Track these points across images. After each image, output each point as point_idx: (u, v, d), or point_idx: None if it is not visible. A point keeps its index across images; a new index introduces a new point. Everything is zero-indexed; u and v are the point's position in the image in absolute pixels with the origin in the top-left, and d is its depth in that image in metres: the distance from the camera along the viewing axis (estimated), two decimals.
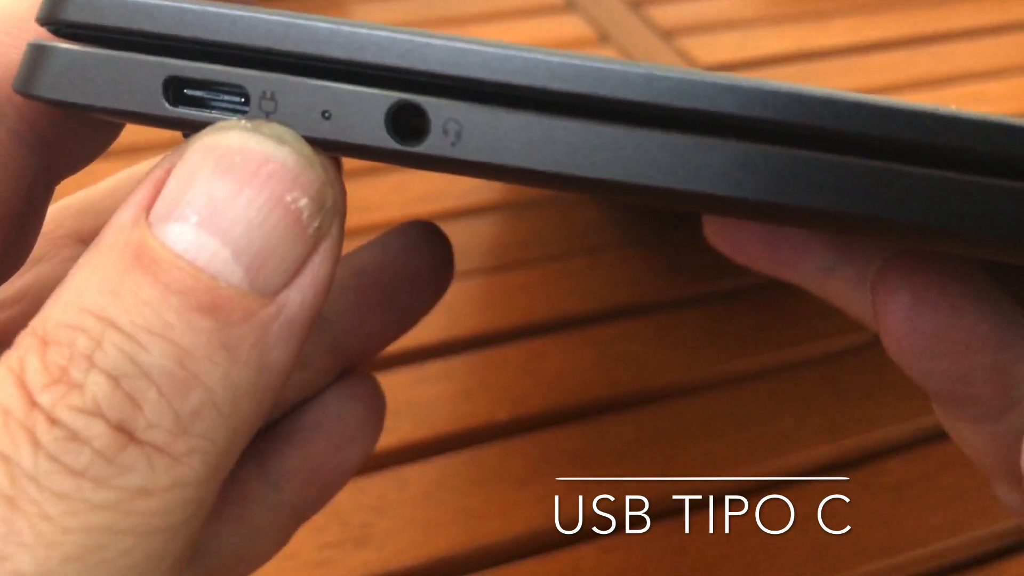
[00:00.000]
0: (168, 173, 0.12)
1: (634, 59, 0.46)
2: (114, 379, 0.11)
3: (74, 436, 0.11)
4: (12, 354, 0.12)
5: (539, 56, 0.12)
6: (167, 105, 0.13)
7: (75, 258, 0.17)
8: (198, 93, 0.13)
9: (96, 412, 0.11)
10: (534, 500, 0.27)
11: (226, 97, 0.13)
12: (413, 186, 0.36)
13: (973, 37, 0.49)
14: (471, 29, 0.48)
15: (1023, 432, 0.17)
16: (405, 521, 0.26)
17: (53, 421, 0.11)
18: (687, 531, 0.26)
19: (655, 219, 0.36)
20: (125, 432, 0.11)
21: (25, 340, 0.12)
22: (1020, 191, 0.11)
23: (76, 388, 0.11)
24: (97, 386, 0.11)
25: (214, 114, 0.13)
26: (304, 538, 0.21)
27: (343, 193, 0.13)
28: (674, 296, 0.34)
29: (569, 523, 0.26)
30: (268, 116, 0.12)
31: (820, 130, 0.12)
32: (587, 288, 0.34)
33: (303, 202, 0.12)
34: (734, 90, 0.12)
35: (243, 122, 0.12)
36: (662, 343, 0.32)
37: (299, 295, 0.12)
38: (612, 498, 0.27)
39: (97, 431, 0.11)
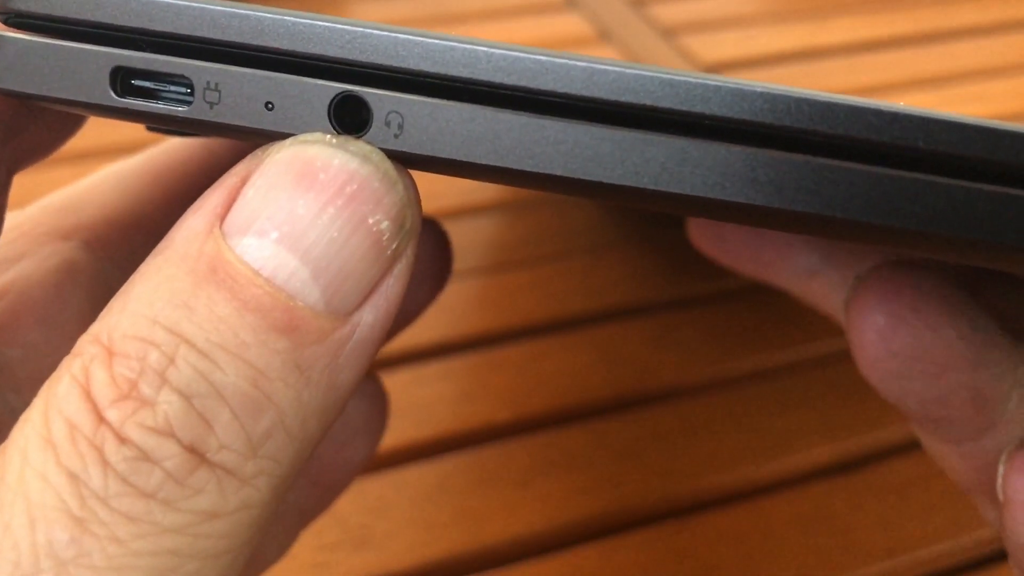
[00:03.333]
0: (243, 182, 0.12)
1: (636, 57, 0.46)
2: (187, 398, 0.11)
3: (145, 456, 0.11)
4: (74, 361, 0.11)
5: (479, 48, 0.12)
6: (114, 95, 0.13)
7: (56, 255, 0.17)
8: (145, 84, 0.13)
9: (168, 432, 0.11)
10: (535, 501, 0.27)
11: (173, 88, 0.13)
12: None
13: (976, 36, 0.49)
14: (470, 27, 0.48)
15: (1001, 452, 0.16)
16: (405, 522, 0.26)
17: (123, 439, 0.11)
18: (689, 532, 0.26)
19: (655, 219, 0.36)
20: (197, 453, 0.11)
21: (88, 348, 0.11)
22: (999, 194, 0.11)
23: (147, 405, 0.11)
24: (169, 404, 0.11)
25: (161, 105, 0.13)
26: (303, 540, 0.21)
27: (420, 214, 0.13)
28: (674, 296, 0.33)
29: (570, 524, 0.26)
30: (212, 107, 0.12)
31: (761, 127, 0.12)
32: (587, 288, 0.33)
33: (384, 224, 0.12)
34: (672, 84, 0.12)
35: (328, 137, 0.12)
36: (662, 343, 0.32)
37: (372, 316, 0.12)
38: (612, 499, 0.27)
39: (169, 452, 0.11)
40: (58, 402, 0.11)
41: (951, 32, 0.49)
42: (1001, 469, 0.16)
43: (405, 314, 0.21)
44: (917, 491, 0.27)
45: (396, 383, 0.29)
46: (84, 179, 0.19)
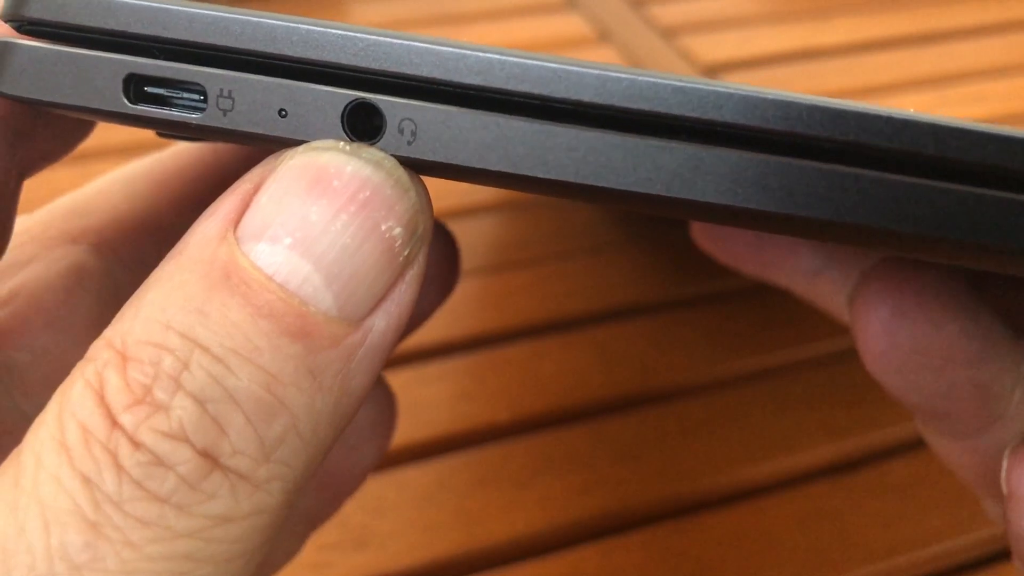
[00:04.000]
0: (257, 188, 0.12)
1: (635, 58, 0.46)
2: (201, 403, 0.11)
3: (159, 461, 0.11)
4: (88, 366, 0.11)
5: (493, 55, 0.12)
6: (127, 103, 0.13)
7: (65, 258, 0.17)
8: (158, 91, 0.13)
9: (182, 436, 0.11)
10: (534, 501, 0.27)
11: (186, 95, 0.13)
12: None
13: (976, 36, 0.49)
14: (470, 28, 0.48)
15: (1004, 447, 0.17)
16: (405, 522, 0.26)
17: (136, 444, 0.11)
18: (688, 532, 0.26)
19: (656, 219, 0.36)
20: (210, 458, 0.11)
21: (102, 353, 0.11)
22: (1008, 200, 0.11)
23: (161, 410, 0.11)
24: (183, 409, 0.11)
25: (174, 112, 0.13)
26: None
27: (432, 220, 0.13)
28: (674, 296, 0.33)
29: (570, 524, 0.26)
30: (225, 114, 0.12)
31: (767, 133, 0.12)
32: (587, 288, 0.33)
33: (397, 230, 0.12)
34: (684, 91, 0.12)
35: (341, 144, 0.12)
36: (662, 343, 0.32)
37: (384, 322, 0.12)
38: (612, 499, 0.27)
39: (182, 456, 0.11)
40: (72, 407, 0.11)
41: (951, 32, 0.49)
42: (1005, 464, 0.16)
43: (413, 318, 0.21)
44: (917, 491, 0.27)
45: (396, 383, 0.29)
46: (93, 183, 0.19)
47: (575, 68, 0.12)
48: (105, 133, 0.19)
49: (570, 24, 0.49)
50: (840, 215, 0.11)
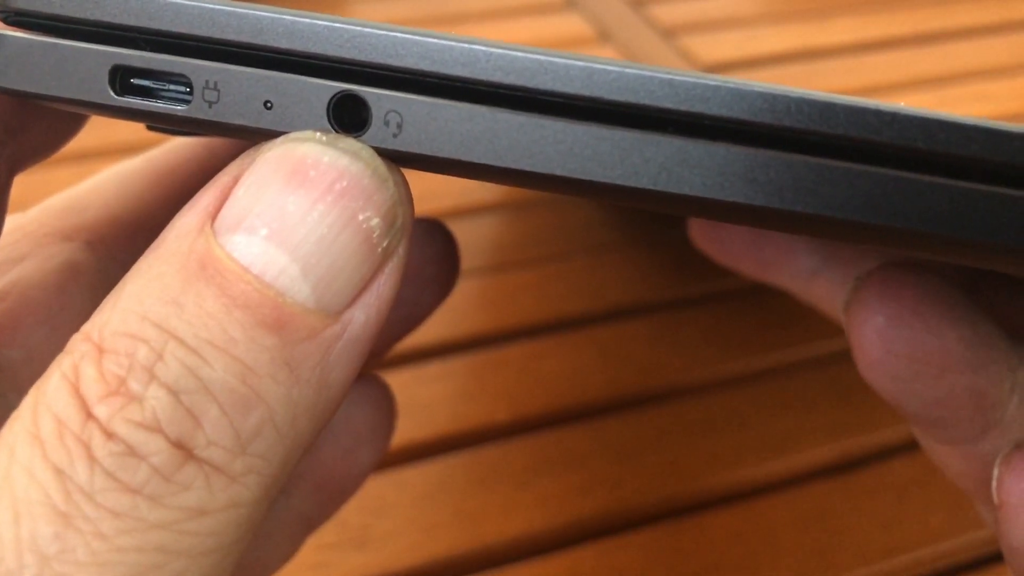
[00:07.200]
0: (236, 180, 0.12)
1: (635, 58, 0.46)
2: (175, 393, 0.11)
3: (131, 451, 0.11)
4: (65, 358, 0.11)
5: (478, 47, 0.12)
6: (113, 94, 0.13)
7: (58, 256, 0.17)
8: (144, 82, 0.13)
9: (155, 427, 0.11)
10: (534, 501, 0.27)
11: (172, 87, 0.13)
12: (411, 184, 0.36)
13: (976, 36, 0.49)
14: (470, 28, 0.48)
15: (1000, 454, 0.16)
16: (404, 522, 0.26)
17: (110, 435, 0.11)
18: (689, 532, 0.26)
19: (655, 219, 0.36)
20: (184, 449, 0.11)
21: (79, 345, 0.11)
22: (998, 195, 0.11)
23: (135, 401, 0.11)
24: (157, 400, 0.11)
25: (160, 104, 0.13)
26: None
27: (412, 212, 0.13)
28: (674, 296, 0.33)
29: (569, 524, 0.26)
30: (211, 106, 0.12)
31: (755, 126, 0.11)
32: (587, 288, 0.33)
33: (375, 221, 0.12)
34: (671, 84, 0.11)
35: (318, 135, 0.12)
36: (663, 343, 0.32)
37: (363, 315, 0.12)
38: (612, 499, 0.27)
39: (155, 447, 0.11)
40: (47, 399, 0.11)
41: (951, 32, 0.49)
42: (996, 472, 0.16)
43: (412, 317, 0.21)
44: (917, 491, 0.27)
45: (396, 383, 0.29)
46: (86, 180, 0.19)
47: (562, 60, 0.12)
48: (105, 133, 0.19)
49: (570, 24, 0.49)
50: (829, 210, 0.11)
